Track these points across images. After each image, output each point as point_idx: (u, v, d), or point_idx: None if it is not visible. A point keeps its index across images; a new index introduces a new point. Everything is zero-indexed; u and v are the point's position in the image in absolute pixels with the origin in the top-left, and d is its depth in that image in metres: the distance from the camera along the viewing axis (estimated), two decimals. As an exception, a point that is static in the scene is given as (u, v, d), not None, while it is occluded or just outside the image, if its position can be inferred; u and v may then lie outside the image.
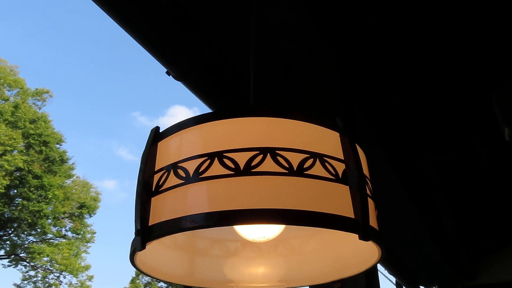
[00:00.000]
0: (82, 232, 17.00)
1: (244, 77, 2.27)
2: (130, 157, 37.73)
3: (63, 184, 16.42)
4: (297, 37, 2.00)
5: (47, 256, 15.80)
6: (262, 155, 0.65)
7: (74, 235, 16.89)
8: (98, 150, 37.77)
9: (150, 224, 0.67)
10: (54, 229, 16.34)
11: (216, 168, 0.66)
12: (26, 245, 16.10)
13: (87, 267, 16.89)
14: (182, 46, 2.06)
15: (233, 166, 0.65)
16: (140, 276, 22.71)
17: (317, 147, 0.69)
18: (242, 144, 0.67)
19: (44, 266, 16.18)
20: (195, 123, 0.72)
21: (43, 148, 15.82)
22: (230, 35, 2.13)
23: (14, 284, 16.32)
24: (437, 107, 2.46)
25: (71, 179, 17.30)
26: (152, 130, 0.76)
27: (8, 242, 16.05)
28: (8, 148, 14.90)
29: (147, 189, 0.70)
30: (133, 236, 0.69)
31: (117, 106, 41.67)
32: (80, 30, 39.51)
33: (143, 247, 0.65)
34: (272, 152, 0.66)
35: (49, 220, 16.08)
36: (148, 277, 0.85)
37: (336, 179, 0.68)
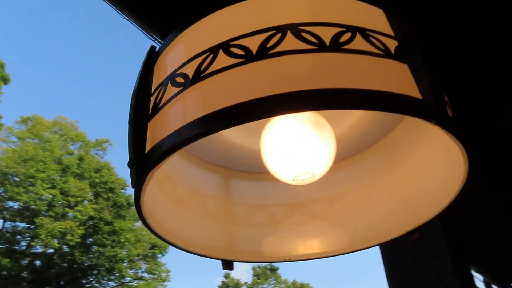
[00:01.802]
0: (157, 272, 17.23)
1: None
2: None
3: (133, 227, 16.82)
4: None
5: (129, 298, 16.09)
6: (280, 34, 0.48)
7: (150, 275, 17.14)
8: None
9: (147, 151, 0.50)
10: (130, 272, 16.67)
11: (223, 60, 0.48)
12: (108, 290, 16.51)
13: (167, 305, 17.00)
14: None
15: (243, 53, 0.48)
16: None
17: (356, 21, 0.50)
18: (253, 27, 0.49)
19: (127, 308, 16.48)
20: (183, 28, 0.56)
21: (110, 194, 16.36)
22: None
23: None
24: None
25: (140, 222, 17.66)
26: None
27: (90, 289, 16.55)
28: (79, 199, 15.56)
29: (141, 113, 0.54)
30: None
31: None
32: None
33: (138, 180, 0.48)
34: (293, 29, 0.48)
35: (125, 264, 16.44)
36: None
37: (387, 54, 0.48)
